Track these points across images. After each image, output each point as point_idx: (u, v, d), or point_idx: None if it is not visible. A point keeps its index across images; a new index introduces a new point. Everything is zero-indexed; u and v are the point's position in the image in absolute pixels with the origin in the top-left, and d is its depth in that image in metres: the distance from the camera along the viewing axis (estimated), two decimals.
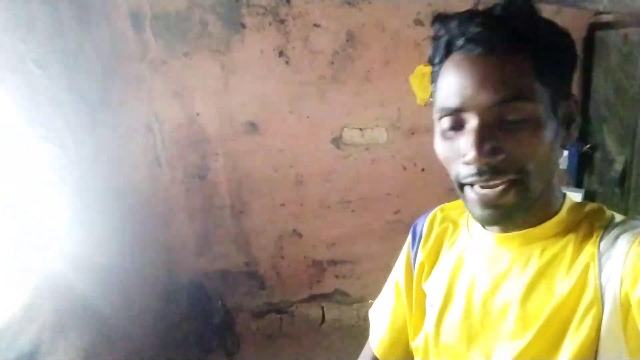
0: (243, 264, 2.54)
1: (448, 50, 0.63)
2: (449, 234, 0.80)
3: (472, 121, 0.60)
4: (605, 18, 2.07)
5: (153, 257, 2.40)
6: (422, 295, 0.80)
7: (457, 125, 0.62)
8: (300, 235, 2.49)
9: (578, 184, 2.30)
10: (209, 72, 2.25)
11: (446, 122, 0.63)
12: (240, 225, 2.48)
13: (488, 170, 0.59)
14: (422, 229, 0.83)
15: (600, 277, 0.59)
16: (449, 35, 0.62)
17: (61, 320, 1.62)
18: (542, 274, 0.64)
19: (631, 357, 0.57)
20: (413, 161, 2.32)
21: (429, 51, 0.67)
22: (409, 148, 2.29)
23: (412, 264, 0.83)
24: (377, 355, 0.88)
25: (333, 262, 2.52)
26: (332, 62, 2.23)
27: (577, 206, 0.68)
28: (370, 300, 2.43)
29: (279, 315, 2.63)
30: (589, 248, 0.62)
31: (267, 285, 2.59)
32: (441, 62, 0.64)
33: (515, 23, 0.59)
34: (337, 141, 2.33)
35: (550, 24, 0.62)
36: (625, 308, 0.57)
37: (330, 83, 2.26)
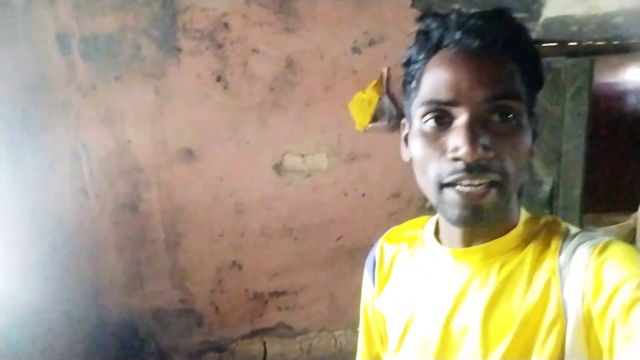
0: (178, 301, 2.40)
1: (438, 45, 0.62)
2: (402, 254, 0.79)
3: (462, 116, 0.58)
4: None
5: (79, 296, 2.25)
6: (384, 320, 0.79)
7: (442, 122, 0.60)
8: (240, 267, 2.39)
9: None
10: (142, 97, 2.17)
11: (430, 117, 0.61)
12: (175, 259, 2.35)
13: (476, 167, 0.57)
14: (375, 257, 0.83)
15: (562, 292, 0.58)
16: (443, 29, 0.61)
17: None
18: (501, 290, 0.63)
19: None
20: (354, 187, 2.30)
21: (407, 50, 0.66)
22: (350, 174, 2.28)
23: (374, 290, 0.82)
24: None
25: (275, 294, 2.42)
26: (272, 88, 2.20)
27: (532, 219, 0.69)
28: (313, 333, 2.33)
29: (218, 354, 2.49)
30: (548, 262, 0.61)
31: (205, 322, 2.45)
32: (427, 57, 0.63)
33: (508, 26, 0.61)
34: (278, 168, 2.28)
35: (530, 39, 0.64)
36: (587, 322, 0.56)
37: (270, 109, 2.22)
